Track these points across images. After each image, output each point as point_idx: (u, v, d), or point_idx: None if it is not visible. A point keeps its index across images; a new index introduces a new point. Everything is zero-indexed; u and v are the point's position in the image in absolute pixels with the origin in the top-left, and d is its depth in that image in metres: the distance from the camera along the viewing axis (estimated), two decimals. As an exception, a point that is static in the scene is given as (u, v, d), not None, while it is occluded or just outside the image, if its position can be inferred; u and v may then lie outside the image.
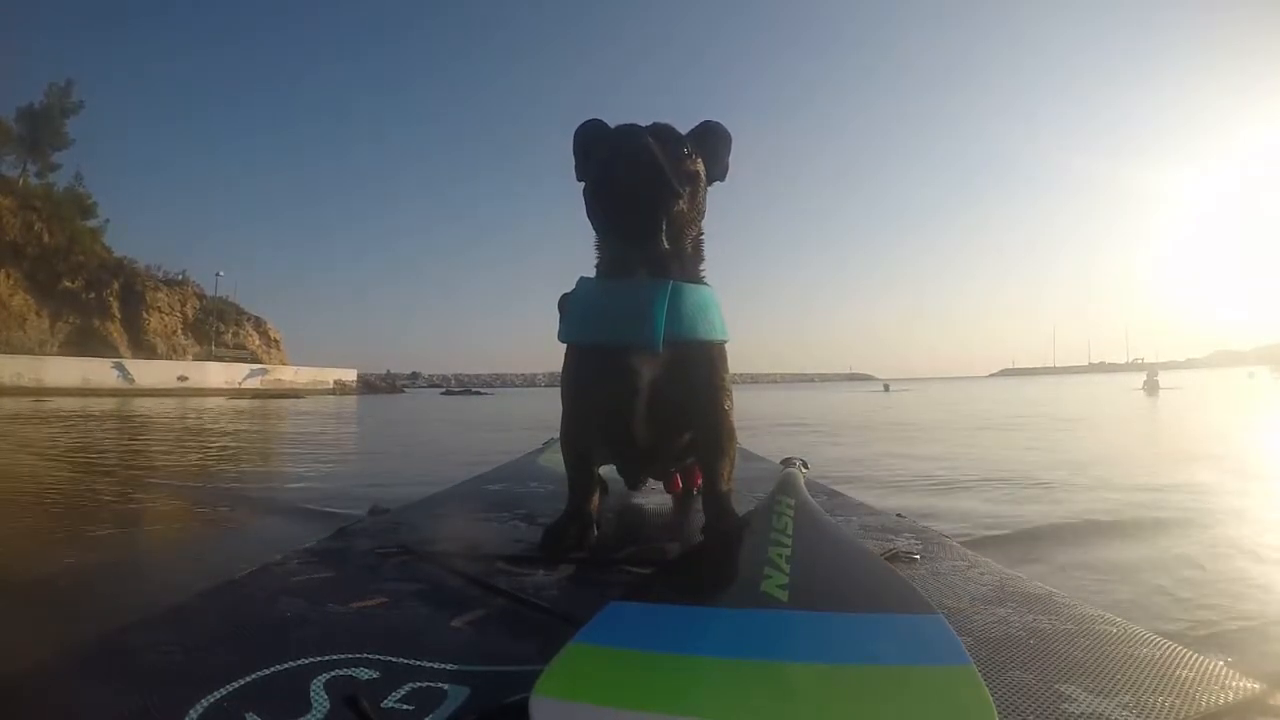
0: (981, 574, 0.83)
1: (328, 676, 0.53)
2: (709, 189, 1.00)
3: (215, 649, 0.59)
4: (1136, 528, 2.18)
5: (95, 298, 31.92)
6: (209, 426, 8.54)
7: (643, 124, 0.92)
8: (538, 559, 0.90)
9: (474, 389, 48.76)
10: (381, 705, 0.49)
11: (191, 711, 0.47)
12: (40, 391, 20.92)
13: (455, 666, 0.56)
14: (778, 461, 1.78)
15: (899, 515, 1.23)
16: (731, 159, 1.02)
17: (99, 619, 0.81)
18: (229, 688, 0.51)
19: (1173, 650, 0.59)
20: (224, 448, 5.81)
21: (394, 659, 0.57)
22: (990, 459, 4.26)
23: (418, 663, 0.56)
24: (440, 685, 0.52)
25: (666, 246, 0.93)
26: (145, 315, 33.63)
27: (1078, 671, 0.55)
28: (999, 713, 0.43)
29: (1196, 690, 0.52)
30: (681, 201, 0.91)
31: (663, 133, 0.92)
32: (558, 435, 1.10)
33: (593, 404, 1.01)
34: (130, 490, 3.20)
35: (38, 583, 1.59)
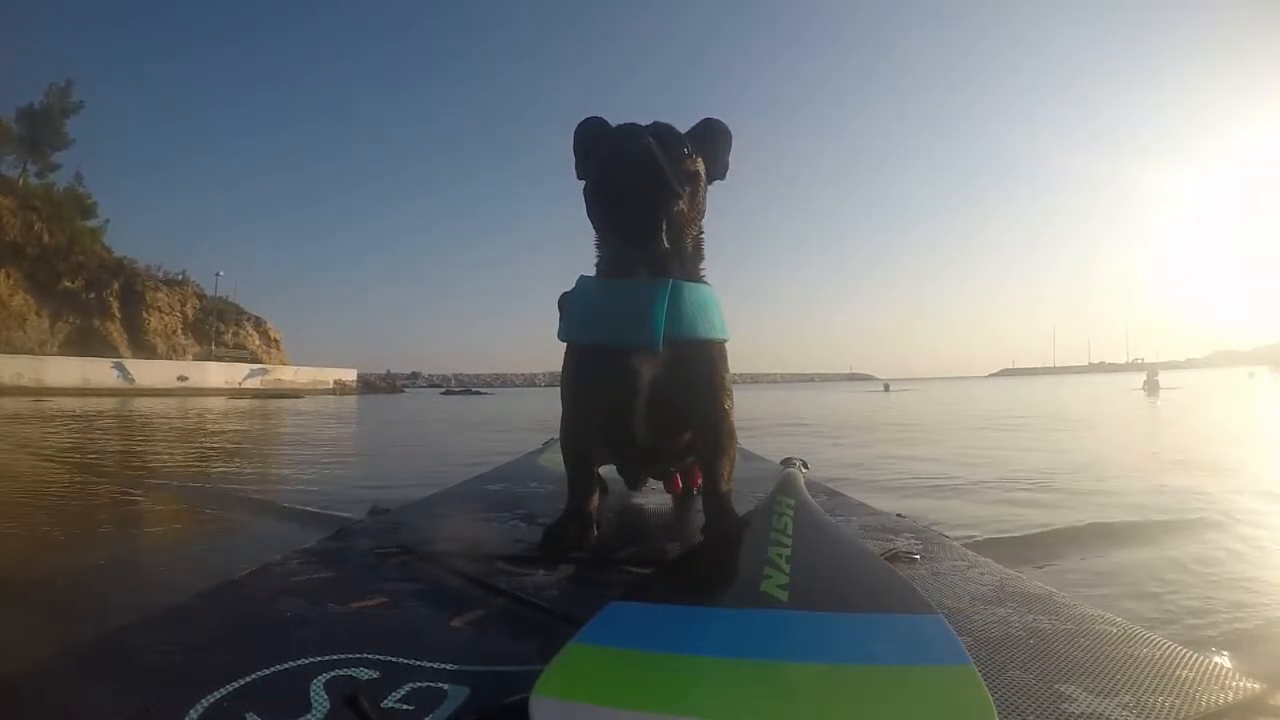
0: (981, 574, 0.83)
1: (328, 676, 0.53)
2: (709, 187, 1.00)
3: (215, 649, 0.59)
4: (1141, 529, 2.18)
5: (95, 298, 31.92)
6: (209, 427, 8.54)
7: (643, 123, 0.92)
8: (538, 559, 0.90)
9: (474, 389, 48.73)
10: (381, 705, 0.49)
11: (191, 711, 0.47)
12: (40, 391, 20.93)
13: (455, 666, 0.56)
14: (778, 461, 1.78)
15: (899, 515, 1.23)
16: (731, 158, 1.02)
17: (98, 619, 0.81)
18: (229, 688, 0.51)
19: (1173, 650, 0.59)
20: (224, 448, 5.81)
21: (394, 659, 0.57)
22: (991, 460, 4.25)
23: (418, 663, 0.56)
24: (440, 685, 0.52)
25: (666, 246, 0.93)
26: (145, 315, 33.62)
27: (1078, 671, 0.55)
28: (999, 713, 0.43)
29: (1196, 690, 0.52)
30: (681, 201, 0.91)
31: (663, 132, 0.92)
32: (558, 435, 1.10)
33: (593, 403, 1.01)
34: (130, 490, 3.20)
35: (37, 583, 1.60)
